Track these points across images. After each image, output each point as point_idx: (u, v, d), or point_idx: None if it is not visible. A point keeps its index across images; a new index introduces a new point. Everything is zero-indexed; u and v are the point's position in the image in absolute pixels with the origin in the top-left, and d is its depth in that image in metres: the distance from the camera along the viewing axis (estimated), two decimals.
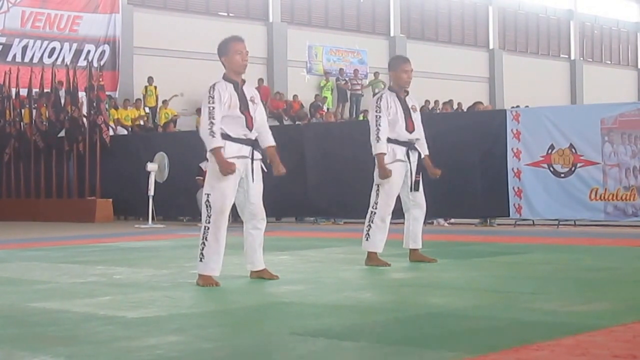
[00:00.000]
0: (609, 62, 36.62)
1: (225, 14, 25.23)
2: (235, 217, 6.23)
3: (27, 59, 20.99)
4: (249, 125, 5.97)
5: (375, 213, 7.03)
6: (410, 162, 7.07)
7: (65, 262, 7.89)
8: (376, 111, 6.99)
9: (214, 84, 5.94)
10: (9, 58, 20.75)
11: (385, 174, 6.88)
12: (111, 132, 17.67)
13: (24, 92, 18.27)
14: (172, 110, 21.59)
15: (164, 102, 21.84)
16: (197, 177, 13.40)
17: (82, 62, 20.41)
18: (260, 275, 6.17)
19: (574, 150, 11.66)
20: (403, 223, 7.33)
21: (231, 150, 5.88)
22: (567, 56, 34.99)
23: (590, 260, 7.62)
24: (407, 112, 7.07)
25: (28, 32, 21.23)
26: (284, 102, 24.43)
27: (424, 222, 7.40)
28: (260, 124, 6.09)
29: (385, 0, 29.05)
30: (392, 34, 29.03)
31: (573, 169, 11.68)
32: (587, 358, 3.35)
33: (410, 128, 7.05)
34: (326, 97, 25.40)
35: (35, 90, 18.35)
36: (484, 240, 10.08)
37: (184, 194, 14.61)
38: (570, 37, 35.06)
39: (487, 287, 5.78)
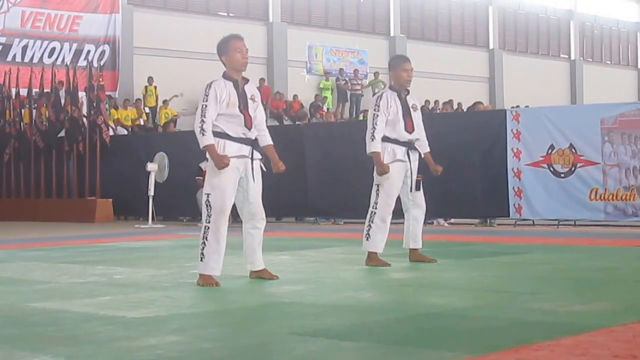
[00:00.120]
0: (609, 62, 36.63)
1: (225, 14, 25.23)
2: (235, 216, 6.23)
3: (27, 59, 21.00)
4: (248, 124, 5.97)
5: (375, 213, 7.03)
6: (410, 162, 7.07)
7: (65, 262, 7.89)
8: (375, 110, 6.99)
9: (211, 82, 5.94)
10: (9, 58, 20.76)
11: (383, 170, 6.88)
12: (111, 132, 17.67)
13: (24, 92, 18.28)
14: (172, 110, 21.59)
15: (164, 102, 21.84)
16: (197, 177, 13.40)
17: (82, 62, 20.42)
18: (260, 275, 6.17)
19: (574, 150, 11.66)
20: (403, 223, 7.33)
21: (231, 149, 5.88)
22: (567, 56, 34.99)
23: (590, 260, 7.62)
24: (407, 111, 7.07)
25: (28, 32, 21.23)
26: (284, 102, 24.43)
27: (424, 222, 7.40)
28: (259, 123, 6.08)
29: (385, 0, 29.06)
30: (392, 34, 29.03)
31: (573, 169, 11.68)
32: (587, 358, 3.35)
33: (409, 128, 7.05)
34: (326, 97, 25.40)
35: (35, 90, 18.36)
36: (484, 240, 10.08)
37: (184, 194, 14.60)
38: (570, 37, 35.07)
39: (487, 287, 5.78)
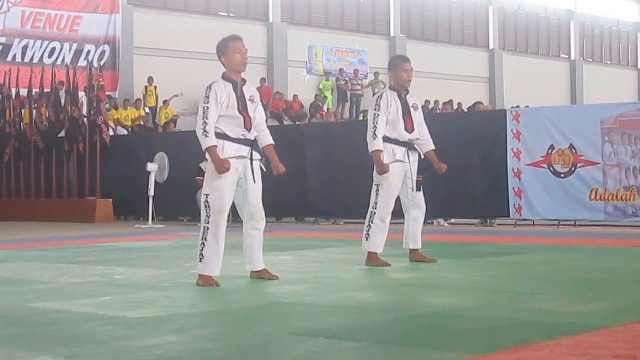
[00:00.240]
0: (609, 62, 36.63)
1: (225, 14, 25.23)
2: (235, 217, 6.23)
3: (27, 59, 20.99)
4: (247, 126, 5.97)
5: (375, 213, 7.03)
6: (410, 163, 7.07)
7: (65, 262, 7.89)
8: (375, 109, 6.99)
9: (211, 84, 5.94)
10: (9, 58, 20.76)
11: (383, 169, 6.88)
12: (111, 132, 17.67)
13: (24, 92, 18.28)
14: (172, 110, 21.59)
15: (164, 102, 21.84)
16: (197, 177, 13.40)
17: (82, 62, 20.42)
18: (260, 275, 6.17)
19: (574, 150, 11.66)
20: (403, 223, 7.33)
21: (230, 150, 5.88)
22: (567, 56, 34.99)
23: (590, 260, 7.62)
24: (407, 111, 7.07)
25: (28, 32, 21.23)
26: (284, 102, 24.43)
27: (424, 222, 7.40)
28: (258, 123, 6.08)
29: (385, 0, 29.05)
30: (392, 34, 29.03)
31: (573, 169, 11.68)
32: (587, 358, 3.35)
33: (409, 128, 7.05)
34: (326, 97, 25.40)
35: (35, 90, 18.35)
36: (484, 240, 10.08)
37: (184, 194, 14.60)
38: (570, 37, 35.07)
39: (487, 287, 5.78)
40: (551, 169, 11.84)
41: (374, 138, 6.91)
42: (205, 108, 5.84)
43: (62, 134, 17.27)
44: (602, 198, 11.48)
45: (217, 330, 4.35)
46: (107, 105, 18.78)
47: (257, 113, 6.09)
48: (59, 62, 20.60)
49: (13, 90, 18.16)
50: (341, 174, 13.55)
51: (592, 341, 3.68)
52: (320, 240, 10.47)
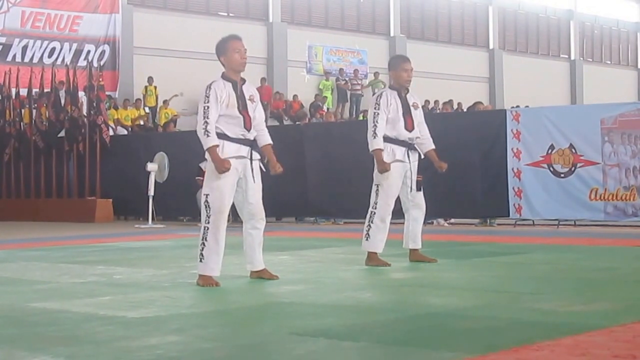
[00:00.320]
0: (609, 62, 36.63)
1: (225, 14, 25.23)
2: (235, 216, 6.23)
3: (27, 59, 21.00)
4: (247, 126, 5.96)
5: (375, 213, 7.03)
6: (410, 163, 7.07)
7: (65, 262, 7.89)
8: (375, 108, 6.99)
9: (211, 83, 5.94)
10: (9, 58, 20.76)
11: (385, 168, 6.87)
12: (111, 132, 17.67)
13: (24, 92, 18.28)
14: (172, 110, 21.59)
15: (164, 102, 21.84)
16: (197, 178, 13.40)
17: (82, 62, 20.42)
18: (260, 275, 6.17)
19: (574, 150, 11.66)
20: (403, 223, 7.33)
21: (229, 150, 5.88)
22: (567, 56, 34.99)
23: (590, 260, 7.62)
24: (407, 110, 7.07)
25: (28, 32, 21.23)
26: (284, 102, 24.43)
27: (424, 222, 7.40)
28: (258, 123, 6.08)
29: (385, 0, 29.05)
30: (392, 34, 29.03)
31: (573, 169, 11.68)
32: (587, 358, 3.35)
33: (409, 127, 7.05)
34: (326, 97, 25.40)
35: (35, 90, 18.36)
36: (484, 240, 10.08)
37: (184, 194, 14.60)
38: (570, 37, 35.07)
39: (487, 287, 5.78)
40: (551, 169, 11.85)
41: (375, 137, 6.91)
42: (206, 108, 5.84)
43: (62, 134, 17.27)
44: (602, 198, 11.48)
45: (217, 330, 4.35)
46: (107, 104, 18.76)
47: (257, 113, 6.09)
48: (59, 62, 20.61)
49: (13, 90, 18.16)
50: (341, 174, 13.55)
51: (592, 341, 3.68)
52: (320, 240, 10.47)
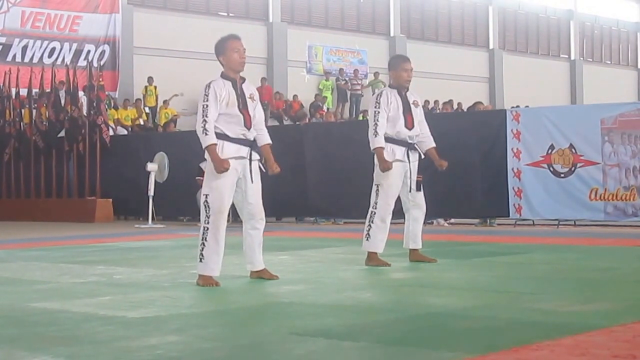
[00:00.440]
0: (609, 62, 36.63)
1: (225, 14, 25.23)
2: (235, 216, 6.23)
3: (27, 59, 21.00)
4: (247, 124, 5.96)
5: (375, 213, 7.03)
6: (410, 162, 7.07)
7: (65, 262, 7.89)
8: (375, 107, 7.00)
9: (210, 82, 5.94)
10: (9, 58, 20.76)
11: (387, 166, 6.87)
12: (111, 132, 17.67)
13: (24, 92, 18.28)
14: (172, 110, 21.60)
15: (164, 102, 21.85)
16: (197, 178, 13.40)
17: (82, 62, 20.42)
18: (260, 275, 6.17)
19: (574, 150, 11.66)
20: (403, 223, 7.33)
21: (229, 150, 5.87)
22: (567, 56, 34.99)
23: (590, 260, 7.62)
24: (407, 108, 7.07)
25: (28, 32, 21.23)
26: (284, 102, 24.43)
27: (424, 222, 7.39)
28: (257, 122, 6.08)
29: (385, 0, 29.05)
30: (392, 34, 29.03)
31: (573, 169, 11.68)
32: (587, 358, 3.35)
33: (409, 125, 7.05)
34: (326, 97, 25.40)
35: (35, 90, 18.35)
36: (484, 240, 10.08)
37: (184, 194, 14.60)
38: (570, 37, 35.07)
39: (487, 287, 5.78)
40: (551, 169, 11.85)
41: (376, 135, 6.91)
42: (205, 106, 5.84)
43: (62, 134, 17.27)
44: (602, 198, 11.48)
45: (217, 330, 4.35)
46: (107, 105, 18.75)
47: (257, 112, 6.09)
48: (59, 62, 20.61)
49: (13, 90, 18.16)
50: (341, 174, 13.55)
51: (592, 341, 3.68)
52: (320, 240, 10.47)
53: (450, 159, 7.44)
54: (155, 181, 14.75)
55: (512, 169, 12.10)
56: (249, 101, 6.00)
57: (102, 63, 21.12)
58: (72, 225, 14.81)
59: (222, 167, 5.77)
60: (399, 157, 7.00)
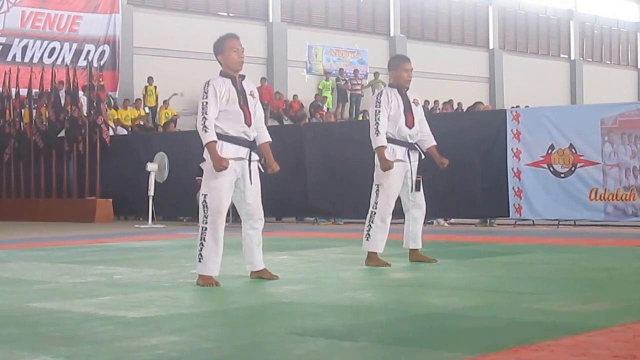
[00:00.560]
0: (609, 62, 36.62)
1: (225, 14, 25.23)
2: (236, 216, 6.23)
3: (27, 59, 20.99)
4: (248, 121, 5.95)
5: (375, 213, 7.02)
6: (410, 162, 7.07)
7: (65, 262, 7.89)
8: (376, 106, 7.00)
9: (209, 80, 5.94)
10: (9, 58, 20.75)
11: (388, 165, 6.86)
12: (111, 132, 17.67)
13: (24, 92, 18.27)
14: (172, 110, 21.60)
15: (164, 102, 21.85)
16: (197, 178, 13.37)
17: (82, 62, 20.41)
18: (260, 275, 6.17)
19: (574, 150, 11.66)
20: (403, 223, 7.33)
21: (228, 151, 5.86)
22: (567, 56, 34.99)
23: (590, 260, 7.62)
24: (408, 106, 7.07)
25: (28, 32, 21.23)
26: (284, 102, 24.43)
27: (424, 222, 7.39)
28: (257, 120, 6.07)
29: (385, 0, 29.05)
30: (392, 34, 29.03)
31: (573, 169, 11.68)
32: (587, 358, 3.35)
33: (410, 123, 7.05)
34: (326, 97, 25.40)
35: (35, 90, 18.35)
36: (484, 240, 10.08)
37: (184, 194, 14.59)
38: (570, 37, 35.06)
39: (487, 287, 5.78)
40: (551, 169, 11.85)
41: (377, 134, 6.91)
42: (205, 104, 5.83)
43: (62, 134, 17.27)
44: (602, 198, 11.48)
45: (217, 330, 4.35)
46: (107, 105, 18.75)
47: (257, 109, 6.09)
48: (59, 62, 20.60)
49: (13, 90, 18.15)
50: (341, 174, 13.55)
51: (592, 341, 3.68)
52: (320, 240, 10.47)
53: (451, 159, 7.44)
54: (155, 181, 14.75)
55: (512, 169, 12.10)
56: (249, 98, 6.00)
57: (102, 63, 21.13)
58: (72, 225, 14.81)
59: (221, 165, 5.77)
60: (400, 157, 7.00)
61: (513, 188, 12.10)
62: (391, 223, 7.09)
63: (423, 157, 7.24)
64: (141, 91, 22.39)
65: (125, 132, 19.75)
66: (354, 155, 12.51)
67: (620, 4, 36.78)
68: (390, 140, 6.97)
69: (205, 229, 5.86)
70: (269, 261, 6.47)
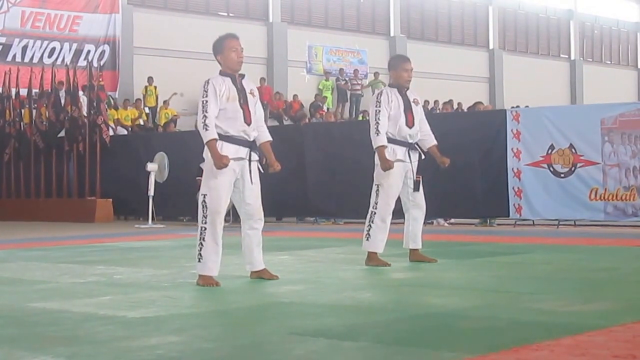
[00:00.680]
0: (609, 62, 36.62)
1: (225, 14, 25.23)
2: (236, 216, 6.23)
3: (27, 59, 20.99)
4: (248, 120, 5.95)
5: (375, 213, 7.02)
6: (411, 162, 7.07)
7: (65, 262, 7.89)
8: (376, 106, 7.00)
9: (209, 79, 5.95)
10: (9, 58, 20.75)
11: (388, 165, 6.86)
12: (111, 132, 17.67)
13: (24, 92, 18.28)
14: (172, 110, 21.60)
15: (164, 102, 21.85)
16: (197, 178, 13.38)
17: (82, 62, 20.41)
18: (260, 275, 6.17)
19: (574, 150, 11.66)
20: (403, 223, 7.33)
21: (228, 152, 5.85)
22: (567, 56, 34.99)
23: (590, 260, 7.62)
24: (408, 106, 7.07)
25: (28, 32, 21.23)
26: (284, 102, 24.43)
27: (424, 222, 7.39)
28: (257, 118, 6.07)
29: (385, 0, 29.05)
30: (392, 34, 29.03)
31: (573, 169, 11.68)
32: (587, 358, 3.35)
33: (410, 123, 7.05)
34: (326, 97, 25.40)
35: (35, 90, 18.35)
36: (484, 240, 10.08)
37: (184, 194, 14.59)
38: (570, 37, 35.06)
39: (487, 287, 5.78)
40: (551, 169, 11.85)
41: (377, 134, 6.91)
42: (205, 102, 5.83)
43: (62, 134, 17.27)
44: (602, 198, 11.48)
45: (217, 330, 4.35)
46: (108, 102, 18.75)
47: (257, 108, 6.09)
48: (59, 62, 20.60)
49: (13, 90, 18.15)
50: (341, 174, 13.55)
51: (592, 341, 3.68)
52: (320, 240, 10.47)
53: (451, 159, 7.43)
54: (155, 181, 14.75)
55: (512, 169, 12.10)
56: (249, 97, 6.00)
57: (102, 63, 21.13)
58: (72, 225, 14.81)
59: (221, 162, 5.76)
60: (400, 156, 7.00)
61: (513, 188, 12.10)
62: (391, 223, 7.09)
63: (423, 157, 7.24)
64: (141, 91, 22.39)
65: (125, 132, 19.75)
66: (354, 155, 12.51)
67: (620, 4, 36.78)
68: (390, 140, 6.97)
69: (205, 229, 5.86)
70: (269, 261, 6.47)
